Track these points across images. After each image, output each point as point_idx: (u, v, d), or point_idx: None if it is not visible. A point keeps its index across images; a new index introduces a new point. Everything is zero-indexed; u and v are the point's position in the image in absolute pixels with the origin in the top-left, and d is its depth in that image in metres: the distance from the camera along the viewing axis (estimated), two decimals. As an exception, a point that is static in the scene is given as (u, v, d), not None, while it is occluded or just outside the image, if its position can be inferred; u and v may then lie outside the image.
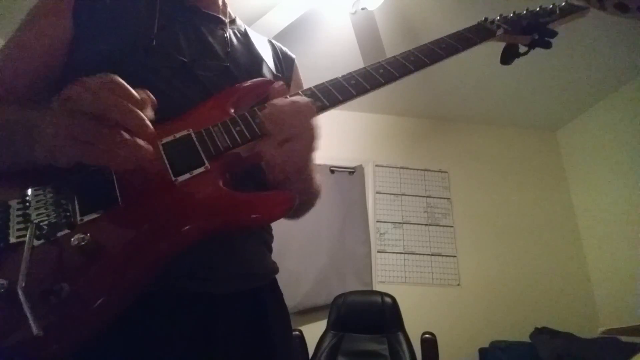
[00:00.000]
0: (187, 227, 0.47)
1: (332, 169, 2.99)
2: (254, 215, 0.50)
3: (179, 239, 0.47)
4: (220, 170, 0.53)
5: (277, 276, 0.71)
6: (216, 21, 0.75)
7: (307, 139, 0.52)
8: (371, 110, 3.30)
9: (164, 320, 0.52)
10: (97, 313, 0.41)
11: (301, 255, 2.63)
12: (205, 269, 0.56)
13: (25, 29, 0.64)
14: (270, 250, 0.72)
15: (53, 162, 0.45)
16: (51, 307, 0.39)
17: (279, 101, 0.54)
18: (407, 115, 3.36)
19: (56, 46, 0.62)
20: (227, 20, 0.77)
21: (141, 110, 0.45)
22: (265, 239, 0.70)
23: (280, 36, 2.12)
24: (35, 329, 0.37)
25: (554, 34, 0.77)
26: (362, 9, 2.02)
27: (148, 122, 0.45)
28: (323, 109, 0.59)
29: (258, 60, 0.75)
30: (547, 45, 0.76)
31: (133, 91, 0.45)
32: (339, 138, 3.14)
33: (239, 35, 0.78)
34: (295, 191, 0.53)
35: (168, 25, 0.67)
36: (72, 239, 0.42)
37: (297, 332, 2.17)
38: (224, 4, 0.79)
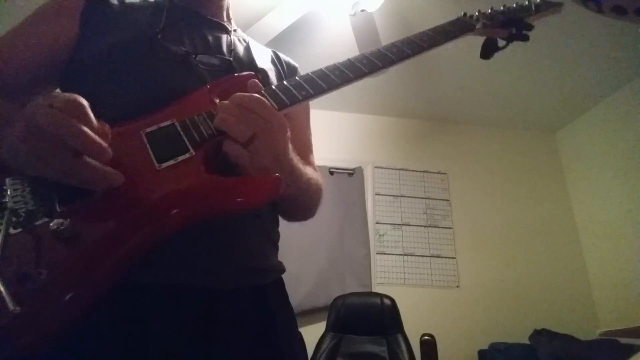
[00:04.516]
0: (170, 213, 0.47)
1: (331, 170, 2.99)
2: (239, 199, 0.49)
3: (161, 225, 0.46)
4: (205, 157, 0.52)
5: None
6: (221, 28, 0.77)
7: (269, 133, 0.52)
8: (370, 111, 3.30)
9: (163, 315, 0.52)
10: (75, 300, 0.40)
11: (300, 257, 2.62)
12: (206, 263, 0.56)
13: (31, 23, 0.64)
14: (276, 247, 0.71)
15: (15, 165, 0.45)
16: (27, 292, 0.39)
17: (228, 105, 0.53)
18: (406, 117, 3.37)
19: (60, 43, 0.63)
20: (231, 29, 0.79)
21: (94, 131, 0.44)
22: (270, 236, 0.69)
23: (280, 38, 2.13)
24: (11, 305, 0.37)
25: (530, 27, 0.80)
26: (362, 10, 2.03)
27: (100, 142, 0.43)
28: (308, 97, 0.60)
29: (258, 64, 0.75)
30: (525, 38, 0.80)
31: (89, 115, 0.44)
32: (338, 139, 3.14)
33: (242, 42, 0.80)
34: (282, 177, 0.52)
35: (174, 26, 0.68)
36: (51, 224, 0.42)
37: (296, 334, 2.16)
38: (229, 17, 0.81)
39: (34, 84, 0.64)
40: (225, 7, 0.80)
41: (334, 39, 2.51)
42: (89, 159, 0.42)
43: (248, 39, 0.83)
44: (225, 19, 0.79)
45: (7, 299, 0.37)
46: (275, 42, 2.08)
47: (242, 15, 2.18)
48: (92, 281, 0.42)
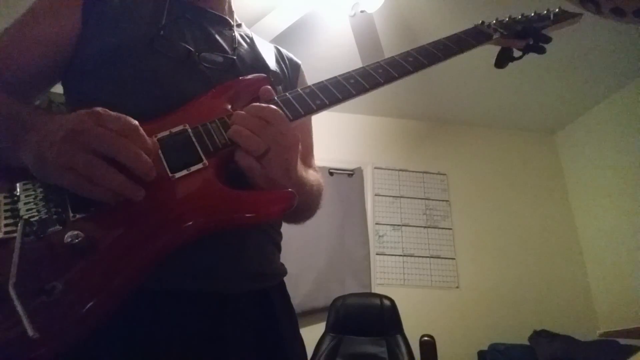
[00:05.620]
0: (183, 225, 0.46)
1: (331, 171, 2.98)
2: (248, 215, 0.49)
3: (174, 237, 0.46)
4: (217, 166, 0.52)
5: None
6: (223, 22, 0.76)
7: (282, 147, 0.51)
8: (370, 112, 3.30)
9: (173, 319, 0.52)
10: (90, 313, 0.40)
11: (300, 258, 2.62)
12: (215, 269, 0.56)
13: (31, 21, 0.63)
14: (279, 249, 0.71)
15: (39, 177, 0.45)
16: (42, 306, 0.38)
17: (245, 116, 0.53)
18: (406, 118, 3.37)
19: (62, 42, 0.62)
20: (234, 23, 0.78)
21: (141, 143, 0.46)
22: (274, 239, 0.69)
23: (280, 38, 2.13)
24: (30, 331, 0.36)
25: (548, 39, 0.77)
26: (362, 11, 2.03)
27: (145, 159, 0.45)
28: (322, 107, 0.59)
29: (263, 63, 0.75)
30: (541, 51, 0.77)
31: (131, 122, 0.46)
32: (338, 140, 3.14)
33: (245, 38, 0.78)
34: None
35: (175, 22, 0.67)
36: (66, 236, 0.41)
37: (295, 335, 2.16)
38: (231, 10, 0.80)
39: (37, 82, 0.64)
40: (227, 0, 0.79)
41: (333, 39, 2.51)
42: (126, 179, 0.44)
43: (252, 34, 0.81)
44: (227, 12, 0.78)
45: (26, 323, 0.36)
46: (275, 43, 2.07)
47: (242, 15, 2.17)
48: (107, 293, 0.41)
